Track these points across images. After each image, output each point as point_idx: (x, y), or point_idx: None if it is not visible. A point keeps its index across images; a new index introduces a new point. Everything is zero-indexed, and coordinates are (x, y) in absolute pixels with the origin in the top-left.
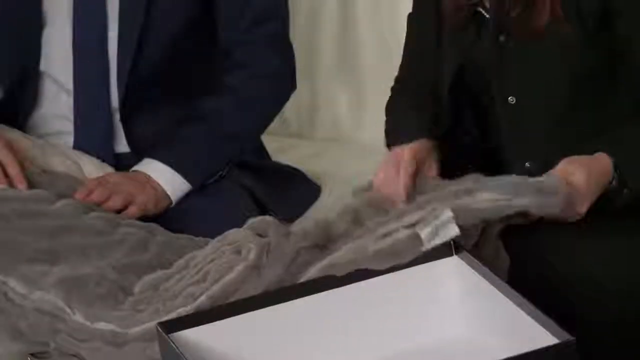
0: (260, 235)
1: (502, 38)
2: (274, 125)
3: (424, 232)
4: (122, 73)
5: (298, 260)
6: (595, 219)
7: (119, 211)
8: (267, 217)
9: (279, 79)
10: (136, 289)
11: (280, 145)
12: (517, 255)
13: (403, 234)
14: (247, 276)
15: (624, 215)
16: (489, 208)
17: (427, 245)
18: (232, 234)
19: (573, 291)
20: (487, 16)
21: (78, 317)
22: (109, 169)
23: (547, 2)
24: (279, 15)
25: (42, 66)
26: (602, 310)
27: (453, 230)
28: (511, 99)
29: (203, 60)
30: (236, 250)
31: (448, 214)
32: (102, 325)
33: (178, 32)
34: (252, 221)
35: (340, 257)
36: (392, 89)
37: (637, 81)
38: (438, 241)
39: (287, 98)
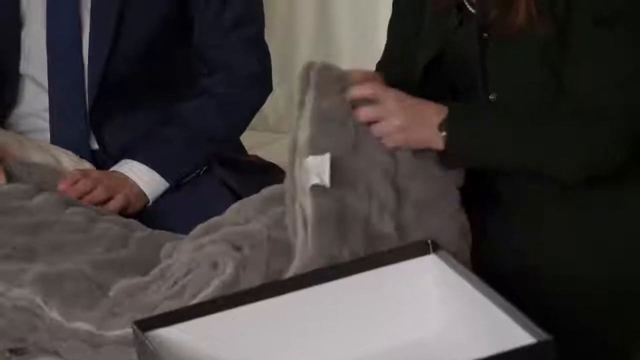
0: (236, 249)
1: (485, 35)
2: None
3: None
4: (94, 75)
5: (271, 269)
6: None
7: (100, 204)
8: (243, 228)
9: (256, 82)
10: (111, 293)
11: (258, 140)
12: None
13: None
14: (223, 291)
15: (598, 207)
16: None
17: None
18: (209, 246)
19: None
20: (471, 10)
21: (54, 315)
22: (87, 164)
23: (523, 4)
24: (256, 18)
25: (21, 66)
26: (580, 307)
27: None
28: (492, 97)
29: (178, 63)
30: (213, 263)
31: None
32: (78, 325)
33: (152, 35)
34: (226, 231)
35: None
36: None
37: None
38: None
39: (263, 100)
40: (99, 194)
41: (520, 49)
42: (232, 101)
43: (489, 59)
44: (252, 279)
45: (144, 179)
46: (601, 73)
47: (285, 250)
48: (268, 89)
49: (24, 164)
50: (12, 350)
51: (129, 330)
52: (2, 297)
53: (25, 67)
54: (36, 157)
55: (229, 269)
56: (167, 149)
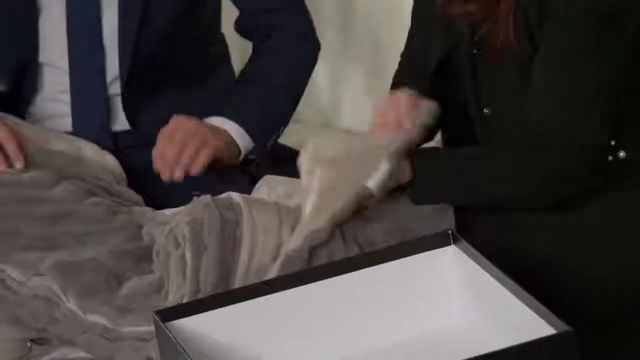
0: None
1: (475, 51)
2: None
3: (371, 184)
4: (124, 57)
5: (225, 219)
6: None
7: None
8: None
9: (307, 38)
10: (124, 291)
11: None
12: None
13: None
14: (196, 255)
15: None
16: None
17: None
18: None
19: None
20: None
21: (72, 306)
22: (109, 156)
23: (506, 23)
24: None
25: (40, 54)
26: (596, 302)
27: (392, 182)
28: (487, 111)
29: (201, 46)
30: (175, 243)
31: (387, 165)
32: (94, 318)
33: (177, 18)
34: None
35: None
36: (399, 63)
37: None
38: (382, 190)
39: (317, 56)
40: (188, 152)
41: (505, 67)
42: (291, 56)
43: (480, 74)
44: (210, 233)
45: (236, 132)
46: (555, 98)
47: (229, 205)
48: (318, 45)
49: (44, 151)
50: (33, 341)
51: (143, 329)
52: (22, 286)
53: (44, 55)
54: (58, 145)
55: (187, 234)
56: (250, 108)
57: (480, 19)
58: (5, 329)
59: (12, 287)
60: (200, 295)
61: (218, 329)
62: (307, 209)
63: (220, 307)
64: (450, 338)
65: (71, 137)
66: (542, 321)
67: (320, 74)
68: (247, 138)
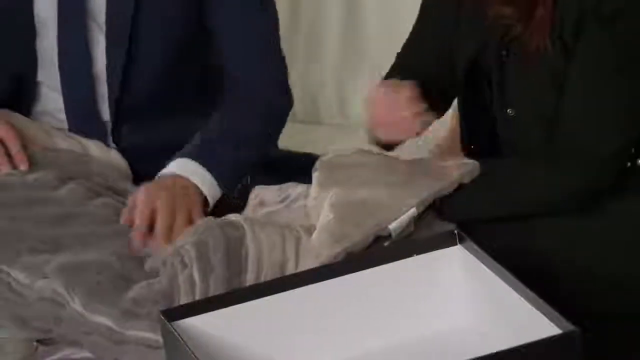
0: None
1: (504, 52)
2: None
3: (393, 226)
4: (112, 89)
5: (229, 237)
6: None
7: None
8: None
9: (281, 87)
10: (131, 294)
11: (287, 131)
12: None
13: None
14: (204, 276)
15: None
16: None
17: (395, 238)
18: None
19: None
20: None
21: (77, 307)
22: (115, 153)
23: (542, 29)
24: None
25: (39, 73)
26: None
27: (411, 227)
28: (510, 111)
29: (196, 78)
30: (181, 261)
31: (414, 211)
32: (99, 319)
33: (168, 51)
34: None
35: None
36: (393, 66)
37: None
38: (400, 235)
39: (291, 105)
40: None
41: (534, 69)
42: (264, 108)
43: (507, 75)
44: (216, 254)
45: (205, 181)
46: (586, 112)
47: (231, 224)
48: (290, 95)
49: (49, 149)
50: (39, 341)
51: (149, 335)
52: (27, 289)
53: (42, 74)
54: (62, 144)
55: (193, 255)
56: (220, 155)
57: (514, 22)
58: (11, 329)
59: (18, 290)
60: None
61: (224, 328)
62: (322, 235)
63: (227, 306)
64: (456, 337)
65: (76, 135)
66: (548, 321)
67: (322, 72)
68: (217, 189)
